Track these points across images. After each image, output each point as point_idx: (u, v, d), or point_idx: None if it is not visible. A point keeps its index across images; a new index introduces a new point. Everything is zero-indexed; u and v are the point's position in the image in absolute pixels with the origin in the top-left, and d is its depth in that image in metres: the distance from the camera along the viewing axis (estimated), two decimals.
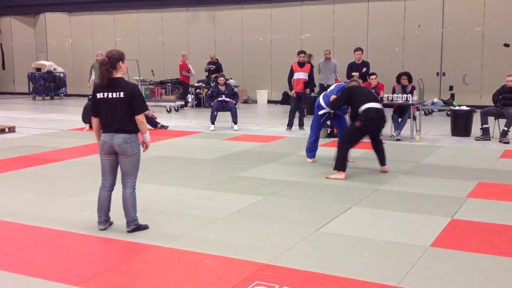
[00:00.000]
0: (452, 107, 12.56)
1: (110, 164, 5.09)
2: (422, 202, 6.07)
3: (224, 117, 13.19)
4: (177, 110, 16.47)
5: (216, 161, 8.54)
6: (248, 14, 19.25)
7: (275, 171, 7.75)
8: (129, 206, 5.07)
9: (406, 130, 10.89)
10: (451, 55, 16.42)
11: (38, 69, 21.35)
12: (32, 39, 23.99)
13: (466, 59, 16.22)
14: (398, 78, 11.37)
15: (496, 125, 10.67)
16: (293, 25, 18.53)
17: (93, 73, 13.67)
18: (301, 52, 12.01)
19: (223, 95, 12.27)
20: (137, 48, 21.25)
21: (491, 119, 10.62)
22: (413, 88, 11.19)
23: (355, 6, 17.51)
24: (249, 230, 5.17)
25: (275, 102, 18.94)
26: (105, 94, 4.94)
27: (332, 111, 8.19)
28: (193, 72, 17.45)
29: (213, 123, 12.06)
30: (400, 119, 10.77)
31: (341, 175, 7.27)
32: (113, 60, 4.94)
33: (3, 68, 24.78)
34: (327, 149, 9.42)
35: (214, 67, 17.58)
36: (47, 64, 21.47)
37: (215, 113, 12.10)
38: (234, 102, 12.30)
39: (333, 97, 7.97)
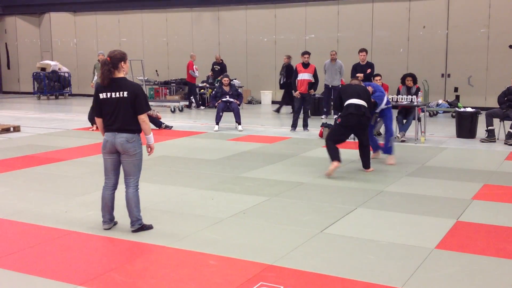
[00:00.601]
0: (457, 108, 12.52)
1: (113, 164, 5.09)
2: (427, 204, 6.05)
3: (228, 117, 13.19)
4: (181, 110, 16.47)
5: (220, 162, 8.54)
6: (253, 14, 19.25)
7: (279, 172, 7.74)
8: (132, 205, 5.07)
9: (410, 132, 10.87)
10: (456, 57, 16.37)
11: (43, 69, 21.40)
12: (37, 38, 24.05)
13: (471, 60, 16.17)
14: (403, 79, 11.33)
15: (501, 127, 10.63)
16: (297, 26, 18.52)
17: (96, 73, 13.68)
18: (305, 53, 12.00)
19: (227, 96, 12.27)
20: (142, 48, 21.28)
21: (496, 121, 10.58)
22: (418, 89, 11.16)
23: (360, 7, 17.49)
24: (253, 231, 5.16)
25: (279, 102, 18.92)
26: (108, 94, 4.94)
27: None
28: (197, 74, 17.40)
29: (217, 123, 12.06)
30: (404, 121, 10.75)
31: (333, 164, 7.35)
32: (115, 60, 4.94)
33: (8, 67, 24.85)
34: None
35: (219, 67, 17.57)
36: (52, 64, 21.52)
37: (221, 113, 12.10)
38: (238, 102, 12.30)
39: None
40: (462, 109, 11.46)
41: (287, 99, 15.78)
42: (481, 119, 11.02)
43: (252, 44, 19.36)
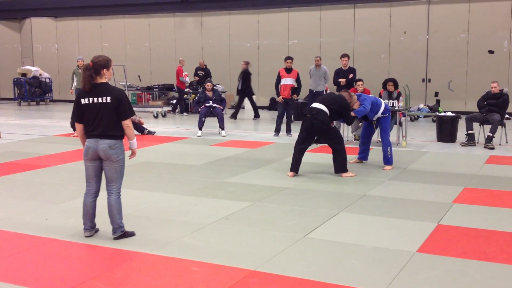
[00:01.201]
0: (437, 113, 12.66)
1: (95, 170, 5.04)
2: (409, 208, 6.10)
3: (211, 122, 13.17)
4: (164, 116, 16.41)
5: (203, 167, 8.52)
6: (235, 20, 19.28)
7: (262, 177, 7.75)
8: (114, 212, 5.03)
9: (392, 136, 10.93)
10: (436, 62, 16.57)
11: (24, 75, 21.17)
12: (17, 44, 23.80)
13: (451, 65, 16.37)
14: (384, 84, 11.44)
15: (481, 131, 10.77)
16: (280, 31, 18.59)
17: (75, 79, 13.53)
18: (288, 58, 12.05)
19: (210, 101, 12.26)
20: (124, 54, 21.18)
21: (476, 125, 10.72)
22: (399, 94, 11.27)
23: (342, 13, 17.62)
24: (236, 237, 5.16)
25: (263, 107, 18.96)
26: (90, 99, 4.89)
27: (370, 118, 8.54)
28: (188, 80, 17.28)
29: (200, 129, 12.04)
30: None
31: (289, 173, 7.82)
32: (97, 66, 4.90)
33: None
34: (315, 155, 9.44)
35: (203, 73, 17.55)
36: (33, 70, 21.30)
37: (203, 119, 12.08)
38: (221, 108, 12.30)
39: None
40: (442, 114, 11.59)
41: (242, 105, 15.83)
42: (461, 123, 11.15)
43: (235, 49, 19.38)
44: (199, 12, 19.77)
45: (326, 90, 16.37)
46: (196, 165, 8.70)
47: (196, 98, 12.77)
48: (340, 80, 12.59)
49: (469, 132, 10.49)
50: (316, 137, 10.69)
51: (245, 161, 8.99)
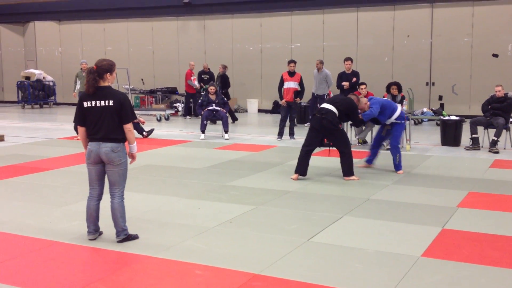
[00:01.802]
0: (441, 116, 12.63)
1: (97, 174, 5.04)
2: (413, 212, 6.08)
3: (214, 126, 13.17)
4: (167, 119, 16.42)
5: (207, 170, 8.51)
6: (238, 23, 19.30)
7: (265, 181, 7.73)
8: (118, 216, 5.02)
9: None
10: (440, 65, 16.54)
11: (27, 78, 21.23)
12: (21, 47, 23.87)
13: (455, 69, 16.35)
14: (388, 88, 11.42)
15: (485, 135, 10.74)
16: (283, 35, 18.60)
17: (78, 82, 13.55)
18: (291, 61, 12.05)
19: (213, 104, 12.27)
20: (127, 57, 21.21)
21: (480, 128, 10.69)
22: (403, 98, 11.24)
23: (345, 16, 17.62)
24: (239, 240, 5.14)
25: (266, 111, 18.96)
26: (93, 102, 4.90)
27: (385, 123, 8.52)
28: (196, 84, 16.89)
29: (203, 132, 12.04)
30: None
31: (294, 175, 7.85)
32: (101, 70, 4.91)
33: None
34: (319, 159, 9.42)
35: (208, 76, 17.54)
36: (36, 73, 21.35)
37: (205, 122, 12.08)
38: (225, 111, 12.31)
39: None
40: (446, 117, 11.56)
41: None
42: (466, 127, 11.12)
43: (238, 52, 19.40)
44: (202, 15, 19.80)
45: (329, 95, 16.40)
46: (199, 168, 8.70)
47: (199, 101, 12.78)
48: (343, 83, 12.59)
49: (474, 136, 10.46)
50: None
51: (248, 165, 8.98)
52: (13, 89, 22.56)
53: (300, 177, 7.84)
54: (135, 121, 11.79)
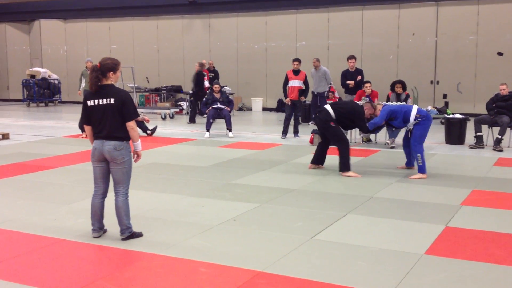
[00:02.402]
0: (446, 115, 12.61)
1: (102, 172, 5.06)
2: (416, 210, 6.08)
3: (219, 124, 13.19)
4: (172, 117, 16.45)
5: (211, 169, 8.54)
6: (243, 22, 19.31)
7: (270, 179, 7.75)
8: (122, 214, 5.05)
9: (400, 138, 10.91)
10: (445, 64, 16.50)
11: (33, 76, 21.31)
12: (26, 46, 23.96)
13: (460, 67, 16.31)
14: (392, 86, 11.42)
15: (489, 133, 10.72)
16: (288, 33, 18.59)
17: (83, 80, 13.60)
18: (296, 60, 12.05)
19: (218, 103, 12.28)
20: (132, 55, 21.26)
21: (484, 127, 10.67)
22: (407, 96, 11.25)
23: (350, 15, 17.60)
24: (244, 238, 5.16)
25: (270, 109, 18.98)
26: (96, 101, 4.93)
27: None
28: (207, 84, 16.07)
29: (208, 130, 12.06)
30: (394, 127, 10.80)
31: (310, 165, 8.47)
32: (105, 68, 4.92)
33: None
34: None
35: (213, 74, 17.53)
36: (42, 71, 21.43)
37: (211, 120, 12.10)
38: (228, 109, 12.32)
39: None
40: (451, 116, 11.55)
41: (196, 107, 15.33)
42: (470, 126, 11.11)
43: (243, 51, 19.41)
44: (207, 14, 19.82)
45: (333, 92, 16.39)
46: (203, 166, 8.72)
47: (204, 100, 12.80)
48: (348, 82, 12.58)
49: (478, 134, 10.44)
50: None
51: (252, 163, 9.00)
52: (18, 87, 22.66)
53: (314, 167, 8.42)
54: (139, 119, 11.84)
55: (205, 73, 16.52)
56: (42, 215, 5.97)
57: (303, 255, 4.67)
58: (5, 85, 24.56)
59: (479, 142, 10.44)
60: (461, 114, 11.95)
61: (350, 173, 7.88)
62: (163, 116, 16.35)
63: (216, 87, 12.48)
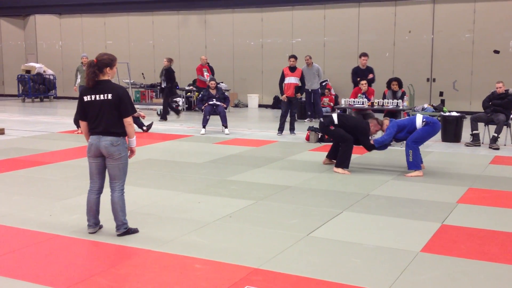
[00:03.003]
0: (442, 113, 12.62)
1: (98, 167, 5.05)
2: (412, 208, 6.09)
3: (215, 120, 13.17)
4: (167, 113, 16.38)
5: (207, 165, 8.52)
6: (239, 18, 19.26)
7: (265, 175, 7.74)
8: (118, 210, 5.03)
9: None
10: (441, 61, 16.52)
11: (28, 71, 21.21)
12: (21, 41, 23.84)
13: (456, 65, 16.33)
14: (389, 84, 11.42)
15: (486, 131, 10.74)
16: (284, 30, 18.56)
17: (79, 76, 13.53)
18: (292, 56, 12.03)
19: (214, 99, 12.26)
20: (128, 51, 21.19)
21: (481, 125, 10.68)
22: (404, 93, 11.25)
23: (346, 12, 17.58)
24: (239, 234, 5.15)
25: (266, 106, 18.96)
26: (93, 96, 4.91)
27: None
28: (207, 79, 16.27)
29: (204, 127, 12.04)
30: None
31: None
32: (101, 64, 4.91)
33: None
34: (319, 154, 9.43)
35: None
36: (37, 66, 21.33)
37: (208, 117, 12.07)
38: (224, 106, 12.29)
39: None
40: (447, 113, 11.56)
41: (170, 104, 14.96)
42: (466, 123, 11.12)
43: (238, 47, 19.37)
44: (203, 10, 19.76)
45: (329, 89, 16.39)
46: (199, 163, 8.70)
47: (200, 96, 12.77)
48: (359, 80, 12.35)
49: (474, 132, 10.46)
50: (319, 136, 10.75)
51: (248, 160, 8.98)
52: (13, 82, 22.55)
53: (328, 162, 8.50)
54: (135, 115, 11.80)
55: (205, 69, 16.47)
56: (37, 210, 5.95)
57: (299, 252, 4.67)
58: (0, 80, 24.44)
59: (475, 140, 10.46)
60: (457, 112, 11.96)
61: (339, 170, 7.91)
62: (159, 112, 16.30)
63: (212, 83, 12.45)
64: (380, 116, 10.64)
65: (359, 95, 11.45)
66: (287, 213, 5.86)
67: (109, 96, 4.88)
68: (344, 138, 8.06)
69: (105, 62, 4.91)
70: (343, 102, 11.23)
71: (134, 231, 5.14)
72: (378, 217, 5.72)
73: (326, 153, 8.75)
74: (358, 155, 9.03)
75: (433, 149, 10.13)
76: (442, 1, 16.35)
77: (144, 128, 12.24)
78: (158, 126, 13.20)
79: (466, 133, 10.97)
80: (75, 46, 22.39)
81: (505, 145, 10.46)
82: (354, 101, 11.10)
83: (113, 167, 4.98)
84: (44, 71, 21.43)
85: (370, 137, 8.23)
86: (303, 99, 14.77)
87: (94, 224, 5.14)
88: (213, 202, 6.31)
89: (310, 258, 4.54)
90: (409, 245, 4.83)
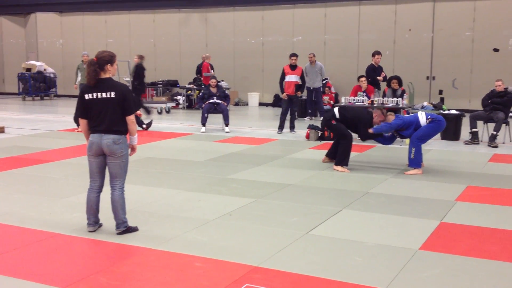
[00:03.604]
0: (441, 111, 12.63)
1: (98, 166, 5.05)
2: (412, 205, 6.10)
3: (215, 119, 13.19)
4: (168, 112, 16.43)
5: (207, 163, 8.54)
6: (240, 16, 19.26)
7: (266, 174, 7.76)
8: (118, 208, 5.05)
9: None
10: (441, 60, 16.52)
11: (28, 69, 21.22)
12: (22, 39, 23.85)
13: (456, 63, 16.32)
14: (389, 82, 11.43)
15: (485, 129, 10.75)
16: (285, 28, 18.56)
17: (79, 74, 13.53)
18: (293, 55, 12.04)
19: (214, 97, 12.27)
20: (129, 49, 21.18)
21: (480, 123, 10.69)
22: (403, 91, 11.26)
23: (347, 10, 17.58)
24: (239, 233, 5.17)
25: (267, 104, 18.96)
26: (94, 94, 4.91)
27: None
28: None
29: (204, 125, 12.05)
30: None
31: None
32: (102, 61, 4.91)
33: None
34: (319, 152, 9.45)
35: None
36: (38, 65, 21.34)
37: (206, 115, 12.08)
38: (225, 104, 12.31)
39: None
40: (446, 112, 11.56)
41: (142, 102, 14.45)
42: (465, 122, 11.13)
43: (239, 46, 19.37)
44: (204, 8, 19.76)
45: (329, 88, 16.39)
46: (199, 161, 8.72)
47: (200, 94, 12.78)
48: (378, 78, 12.24)
49: (473, 130, 10.47)
50: (319, 134, 10.76)
51: (248, 158, 9.00)
52: (14, 80, 22.56)
53: (327, 161, 8.49)
54: (137, 113, 11.82)
55: (208, 65, 16.42)
56: (38, 209, 5.97)
57: (298, 250, 4.69)
58: (0, 78, 24.46)
59: (474, 138, 10.47)
60: (456, 110, 11.98)
61: (338, 168, 7.92)
62: (159, 111, 16.33)
63: (213, 81, 12.47)
64: None
65: (359, 93, 11.46)
66: (287, 211, 5.88)
67: (112, 94, 4.89)
68: (344, 135, 8.09)
69: (106, 59, 4.92)
70: (343, 100, 11.24)
71: (134, 229, 5.15)
72: (377, 215, 5.74)
73: (326, 151, 8.77)
74: (357, 153, 9.05)
75: (433, 147, 10.14)
76: None
77: (144, 126, 12.26)
78: (159, 124, 13.21)
79: (465, 131, 10.98)
80: (76, 44, 22.39)
81: (504, 143, 10.47)
82: (354, 99, 11.10)
83: (114, 165, 4.99)
84: (44, 69, 21.44)
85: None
86: (304, 97, 14.79)
87: (94, 222, 5.16)
88: (214, 200, 6.33)
89: (310, 256, 4.56)
90: (409, 243, 4.84)
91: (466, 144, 10.44)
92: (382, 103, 10.68)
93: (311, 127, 10.94)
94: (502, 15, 15.67)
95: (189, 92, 18.23)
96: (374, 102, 10.81)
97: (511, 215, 5.77)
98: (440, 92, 16.57)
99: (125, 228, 5.08)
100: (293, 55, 12.04)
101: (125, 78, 17.80)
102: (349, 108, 8.70)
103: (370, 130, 8.14)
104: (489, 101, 10.57)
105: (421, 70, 16.70)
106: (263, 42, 19.02)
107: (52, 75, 21.73)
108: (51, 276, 4.15)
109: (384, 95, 11.40)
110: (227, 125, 12.08)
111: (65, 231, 5.17)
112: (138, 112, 12.43)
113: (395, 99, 10.75)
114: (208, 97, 12.29)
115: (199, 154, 9.29)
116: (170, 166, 8.29)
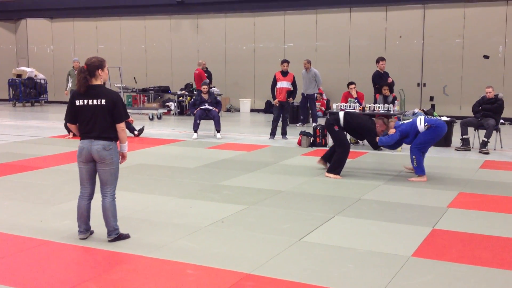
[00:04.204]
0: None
1: (89, 173, 5.02)
2: (404, 212, 6.11)
3: (207, 125, 13.17)
4: (159, 118, 16.39)
5: (199, 170, 8.51)
6: (232, 22, 19.29)
7: (258, 180, 7.75)
8: (109, 215, 5.01)
9: None
10: (431, 66, 16.62)
11: (19, 76, 21.08)
12: (13, 45, 23.73)
13: (447, 70, 16.43)
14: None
15: (476, 136, 10.81)
16: (276, 34, 18.61)
17: (70, 80, 13.49)
18: (284, 61, 12.06)
19: (206, 104, 12.26)
20: (120, 55, 21.15)
21: (471, 129, 10.75)
22: (395, 98, 11.31)
23: (338, 17, 17.66)
24: (231, 240, 5.15)
25: (258, 110, 18.97)
26: (85, 101, 4.89)
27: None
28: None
29: (195, 131, 12.03)
30: None
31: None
32: (92, 67, 4.89)
33: None
34: (311, 158, 9.45)
35: (206, 75, 17.43)
36: (28, 71, 21.22)
37: (198, 121, 12.06)
38: (217, 110, 12.30)
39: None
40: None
41: None
42: (456, 128, 11.19)
43: (231, 52, 19.39)
44: (195, 14, 19.77)
45: (321, 94, 16.43)
46: (191, 167, 8.69)
47: (192, 100, 12.76)
48: (385, 83, 12.19)
49: (464, 136, 10.52)
50: (311, 140, 10.77)
51: (240, 164, 8.99)
52: (4, 87, 22.39)
53: (322, 163, 8.50)
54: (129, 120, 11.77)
55: (207, 71, 16.38)
56: (27, 216, 5.91)
57: (291, 257, 4.67)
58: None
59: (465, 144, 10.52)
60: (447, 116, 12.04)
61: (331, 175, 7.93)
62: (151, 117, 16.28)
63: (204, 88, 12.46)
64: None
65: (349, 99, 11.49)
66: (280, 218, 5.87)
67: (103, 101, 4.86)
68: (342, 143, 8.08)
69: (95, 65, 4.91)
70: (334, 106, 11.27)
71: (126, 236, 5.12)
72: (370, 221, 5.74)
73: (318, 158, 8.78)
74: (350, 160, 9.05)
75: None
76: (432, 6, 16.46)
77: (136, 132, 12.22)
78: (150, 131, 13.17)
79: (456, 138, 11.04)
80: (67, 50, 22.31)
81: (494, 149, 10.53)
82: (345, 106, 11.13)
83: (104, 172, 4.96)
84: (35, 76, 21.31)
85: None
86: (295, 103, 14.81)
87: (85, 230, 5.12)
88: (205, 207, 6.31)
89: (302, 263, 4.55)
90: (401, 250, 4.85)
91: (457, 150, 10.49)
92: (374, 110, 10.71)
93: (303, 133, 10.95)
94: (491, 22, 15.80)
95: (181, 98, 18.20)
96: (366, 108, 10.84)
97: (502, 221, 5.79)
98: (431, 98, 16.66)
99: (116, 236, 5.04)
100: (285, 61, 12.06)
101: (116, 84, 17.75)
102: (355, 116, 8.51)
103: (377, 140, 8.14)
104: (480, 107, 10.63)
105: (412, 77, 16.78)
106: (255, 49, 19.06)
107: (42, 81, 21.62)
108: (42, 284, 4.10)
109: (375, 102, 11.44)
110: (218, 131, 12.06)
111: (55, 239, 5.13)
112: (130, 118, 12.39)
113: (386, 105, 10.79)
114: (199, 103, 12.28)
115: (191, 161, 9.27)
116: (162, 173, 8.25)
